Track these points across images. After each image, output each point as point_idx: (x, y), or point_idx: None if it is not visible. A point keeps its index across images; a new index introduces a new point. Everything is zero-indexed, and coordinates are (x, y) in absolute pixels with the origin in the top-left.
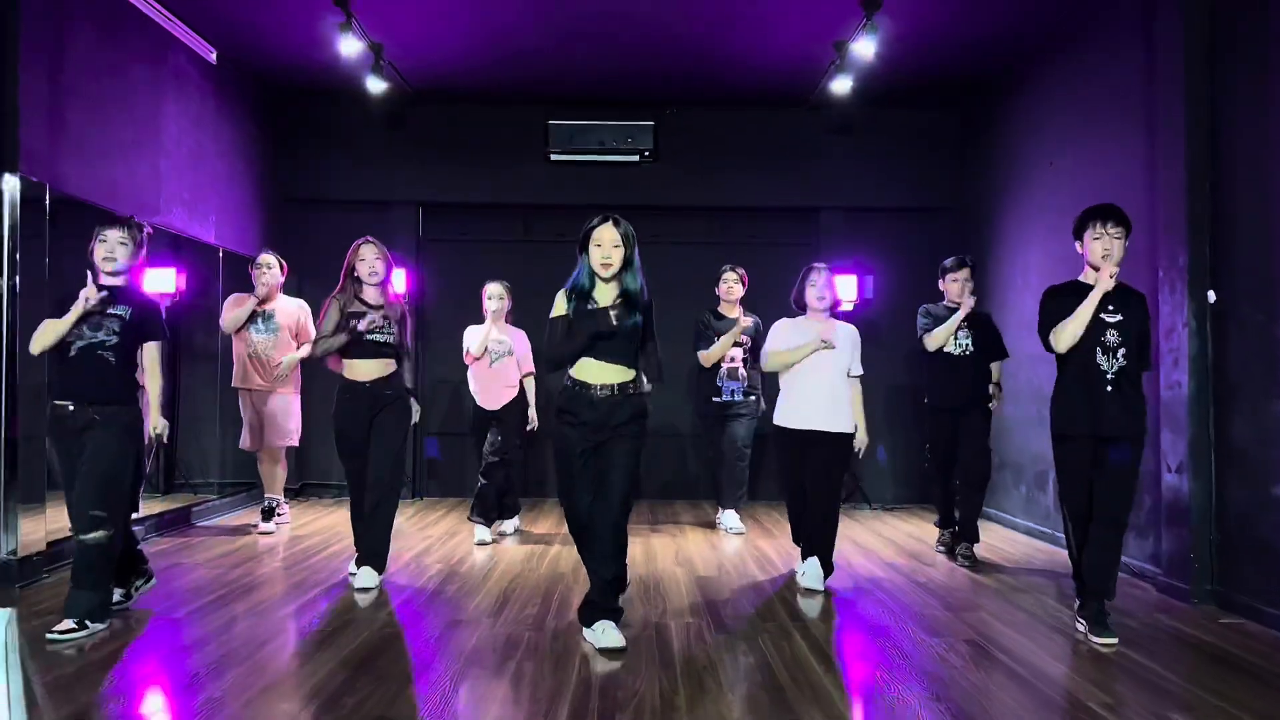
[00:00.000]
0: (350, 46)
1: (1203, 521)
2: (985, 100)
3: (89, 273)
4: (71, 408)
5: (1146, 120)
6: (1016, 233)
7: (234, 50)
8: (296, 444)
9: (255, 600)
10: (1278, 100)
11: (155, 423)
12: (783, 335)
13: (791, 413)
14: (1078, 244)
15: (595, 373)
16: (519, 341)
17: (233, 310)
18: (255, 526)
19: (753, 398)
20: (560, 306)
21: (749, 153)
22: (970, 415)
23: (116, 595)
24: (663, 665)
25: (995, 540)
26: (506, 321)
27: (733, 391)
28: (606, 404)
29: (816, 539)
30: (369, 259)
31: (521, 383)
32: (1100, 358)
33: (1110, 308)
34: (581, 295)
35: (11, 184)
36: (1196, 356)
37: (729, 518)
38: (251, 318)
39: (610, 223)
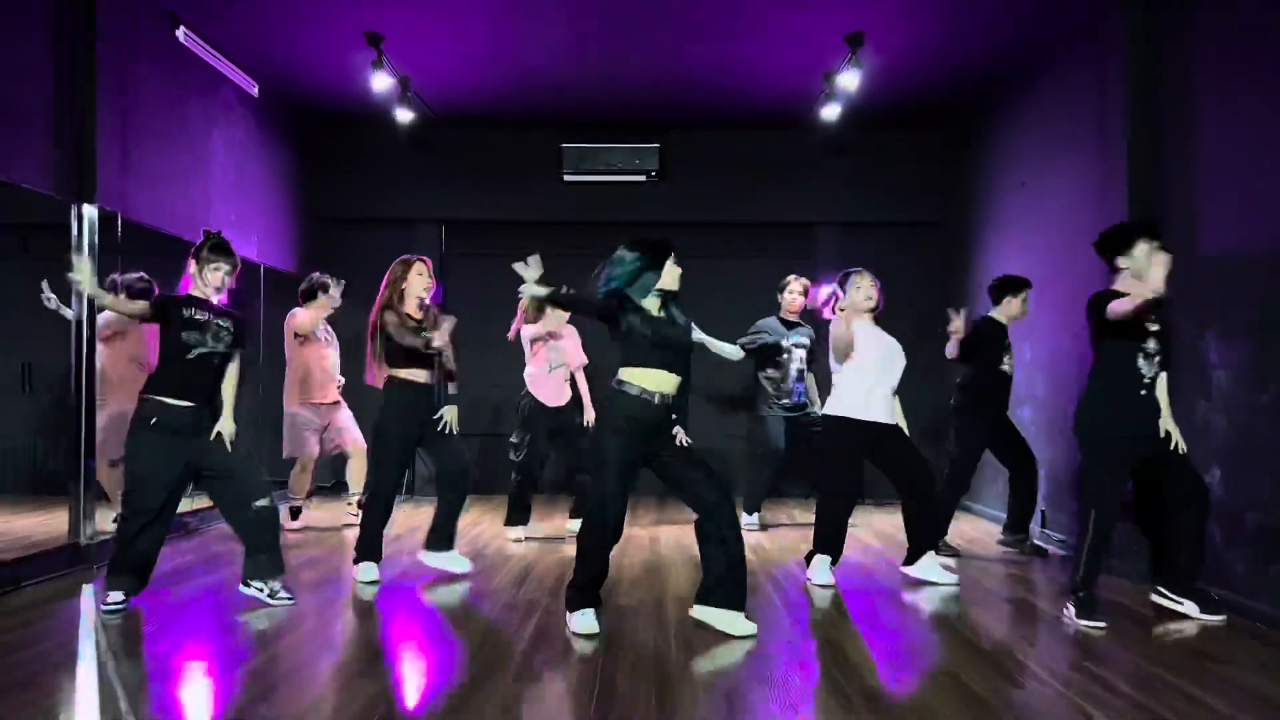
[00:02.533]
0: (381, 82)
1: None
2: (965, 124)
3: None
4: (189, 406)
5: (1098, 150)
6: (994, 247)
7: (274, 83)
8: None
9: (306, 579)
10: (1203, 144)
11: (228, 426)
12: (849, 329)
13: (866, 407)
14: (1129, 252)
15: (657, 381)
16: (568, 335)
17: (306, 321)
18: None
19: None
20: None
21: (748, 172)
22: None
23: (114, 596)
24: (658, 627)
25: (974, 530)
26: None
27: (801, 393)
28: (659, 411)
29: (931, 527)
30: (425, 275)
31: (573, 378)
32: (1141, 363)
33: (1153, 316)
34: (635, 304)
35: (90, 213)
36: None
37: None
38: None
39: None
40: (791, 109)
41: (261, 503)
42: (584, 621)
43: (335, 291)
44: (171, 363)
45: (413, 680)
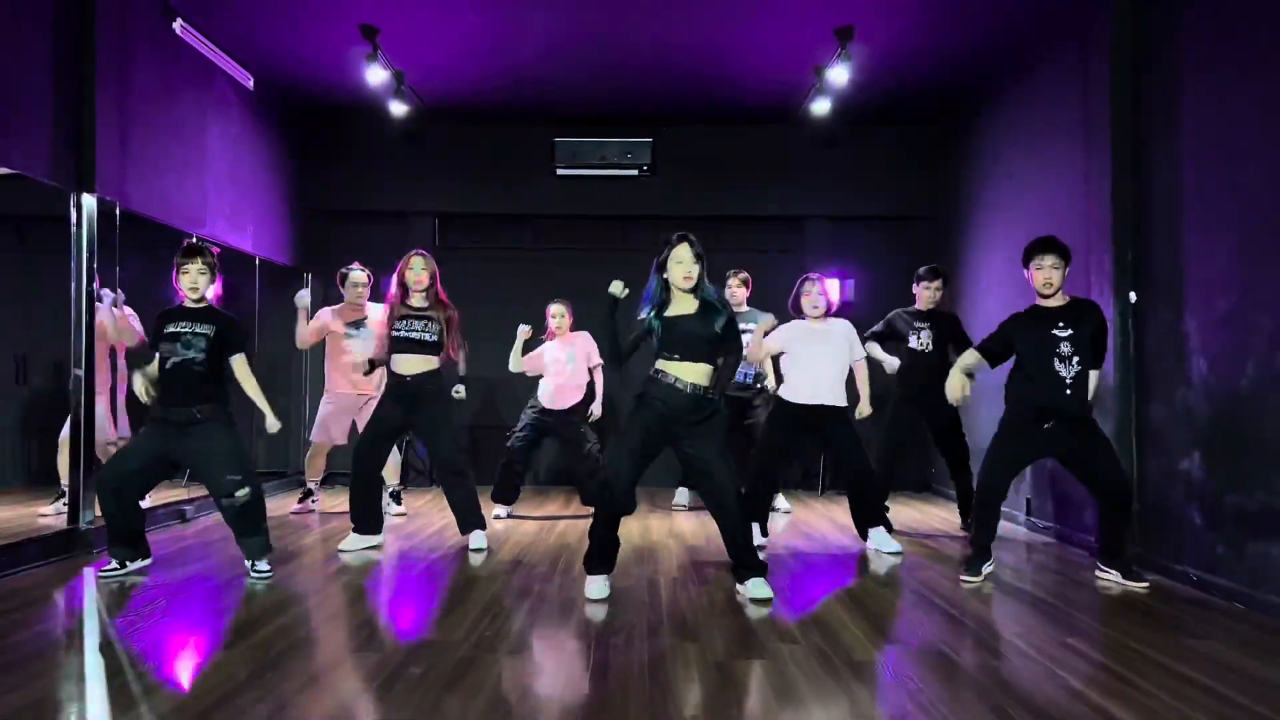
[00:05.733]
0: (375, 75)
1: None
2: (953, 117)
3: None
4: (171, 409)
5: (1084, 141)
6: (981, 240)
7: (269, 76)
8: None
9: (312, 560)
10: (1185, 132)
11: (270, 424)
12: (778, 337)
13: (799, 389)
14: (1026, 272)
15: (683, 370)
16: (582, 344)
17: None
18: (306, 510)
19: (759, 385)
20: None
21: (739, 166)
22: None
23: (111, 564)
24: (650, 608)
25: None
26: (571, 332)
27: (745, 375)
28: (688, 399)
29: (872, 507)
30: (415, 269)
31: (591, 375)
32: (1058, 365)
33: (1060, 324)
34: (661, 309)
35: (90, 202)
36: (1120, 349)
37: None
38: (352, 327)
39: (686, 242)
40: (782, 103)
41: (233, 497)
42: (594, 588)
43: (352, 278)
44: (159, 374)
45: (411, 651)
